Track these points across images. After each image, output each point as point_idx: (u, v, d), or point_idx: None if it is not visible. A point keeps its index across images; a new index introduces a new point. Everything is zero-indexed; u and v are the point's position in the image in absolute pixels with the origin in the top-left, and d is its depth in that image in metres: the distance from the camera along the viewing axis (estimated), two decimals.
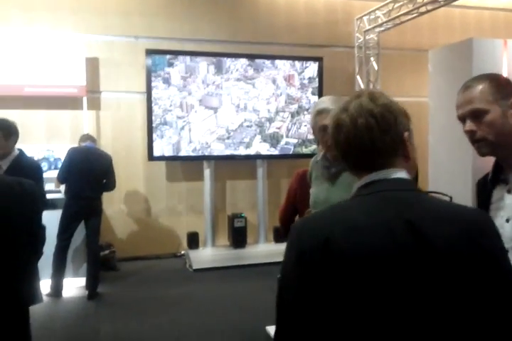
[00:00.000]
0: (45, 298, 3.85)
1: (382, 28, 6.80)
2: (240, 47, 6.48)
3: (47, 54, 5.69)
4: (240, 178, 6.56)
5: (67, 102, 5.85)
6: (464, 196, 5.67)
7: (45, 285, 4.30)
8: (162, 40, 6.23)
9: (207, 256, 5.95)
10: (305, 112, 6.49)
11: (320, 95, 6.52)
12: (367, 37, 7.00)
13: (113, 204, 5.95)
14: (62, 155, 5.37)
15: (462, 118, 1.55)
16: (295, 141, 6.50)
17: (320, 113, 2.15)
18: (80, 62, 5.77)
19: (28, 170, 3.22)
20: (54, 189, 5.31)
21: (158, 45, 6.12)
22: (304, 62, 6.55)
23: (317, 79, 6.58)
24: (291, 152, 6.47)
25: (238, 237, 6.15)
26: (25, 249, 2.39)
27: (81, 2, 5.96)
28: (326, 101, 2.17)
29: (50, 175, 5.39)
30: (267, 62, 6.38)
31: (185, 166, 6.35)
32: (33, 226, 2.46)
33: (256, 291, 4.80)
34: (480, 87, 1.51)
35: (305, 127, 6.49)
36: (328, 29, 6.92)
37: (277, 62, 6.42)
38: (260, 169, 6.34)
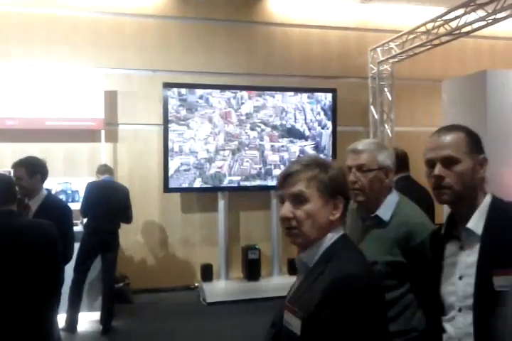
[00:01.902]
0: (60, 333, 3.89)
1: (395, 59, 6.86)
2: (253, 79, 6.58)
3: (67, 87, 5.85)
4: (254, 209, 6.57)
5: (86, 135, 5.96)
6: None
7: (60, 320, 4.32)
8: (178, 73, 6.35)
9: (220, 289, 5.92)
10: (246, 148, 6.30)
11: (334, 126, 6.55)
12: (380, 68, 7.06)
13: (128, 236, 5.98)
14: (79, 187, 5.47)
15: (431, 162, 1.53)
16: (238, 178, 6.28)
17: (348, 152, 2.08)
18: (98, 96, 5.90)
19: (57, 211, 3.23)
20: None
21: (175, 78, 6.24)
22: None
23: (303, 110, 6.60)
24: None
25: (252, 269, 6.12)
26: (46, 291, 2.43)
27: (100, 37, 6.13)
28: (361, 142, 2.09)
29: None
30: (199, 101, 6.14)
31: (199, 197, 6.39)
32: (53, 267, 2.50)
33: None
34: (457, 135, 1.52)
35: (247, 163, 6.31)
36: (341, 60, 7.00)
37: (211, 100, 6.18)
38: (274, 200, 6.34)
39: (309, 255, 1.37)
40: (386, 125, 7.15)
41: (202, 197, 6.38)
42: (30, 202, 3.23)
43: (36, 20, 5.93)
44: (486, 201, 1.53)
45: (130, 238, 6.06)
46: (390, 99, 7.10)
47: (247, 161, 6.31)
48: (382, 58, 6.94)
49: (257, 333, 4.81)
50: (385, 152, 2.01)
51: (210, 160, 6.18)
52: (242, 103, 6.30)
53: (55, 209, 3.24)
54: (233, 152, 6.26)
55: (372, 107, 7.12)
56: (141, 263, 6.22)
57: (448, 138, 1.52)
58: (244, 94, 6.29)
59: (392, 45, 6.77)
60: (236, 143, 6.27)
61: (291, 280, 5.61)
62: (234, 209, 6.47)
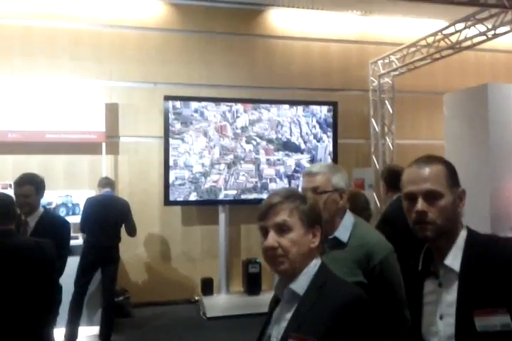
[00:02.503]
0: None
1: (396, 72, 6.88)
2: (255, 92, 6.59)
3: (68, 100, 5.86)
4: (254, 222, 6.48)
5: (87, 147, 5.97)
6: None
7: (59, 334, 4.30)
8: (179, 86, 6.37)
9: (221, 303, 5.88)
10: (241, 162, 6.28)
11: (335, 139, 6.55)
12: (381, 81, 7.08)
13: (129, 249, 5.96)
14: (80, 200, 5.46)
15: (411, 196, 1.47)
16: (234, 192, 6.23)
17: (303, 175, 2.14)
18: (99, 108, 5.91)
19: (56, 227, 3.24)
20: (72, 234, 5.33)
21: (176, 91, 6.26)
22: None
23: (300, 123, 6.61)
24: None
25: (253, 283, 6.08)
26: (42, 310, 2.41)
27: (101, 49, 6.16)
28: (315, 165, 2.20)
29: (68, 220, 5.44)
30: (196, 114, 6.11)
31: (200, 210, 6.38)
32: (50, 286, 2.49)
33: None
34: (437, 168, 1.47)
35: (243, 176, 6.29)
36: (342, 73, 7.02)
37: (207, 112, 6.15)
38: None
39: (299, 284, 1.40)
40: (387, 138, 7.15)
41: (202, 210, 6.37)
42: (28, 218, 3.23)
43: (38, 33, 5.96)
44: (462, 235, 1.48)
45: (130, 251, 6.03)
46: (391, 111, 7.11)
47: (243, 175, 6.29)
48: (383, 71, 6.96)
49: None
50: (339, 174, 2.04)
51: (205, 174, 6.14)
52: (238, 116, 6.29)
53: (54, 225, 3.26)
54: (229, 166, 6.23)
55: (373, 120, 7.13)
56: (142, 277, 6.19)
57: (428, 170, 1.47)
58: (240, 107, 6.28)
59: (392, 58, 6.79)
60: (231, 156, 6.24)
61: None
62: (234, 223, 6.45)
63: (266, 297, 6.01)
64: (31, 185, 3.22)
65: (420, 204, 1.43)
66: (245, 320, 5.42)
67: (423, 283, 1.53)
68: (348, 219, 2.05)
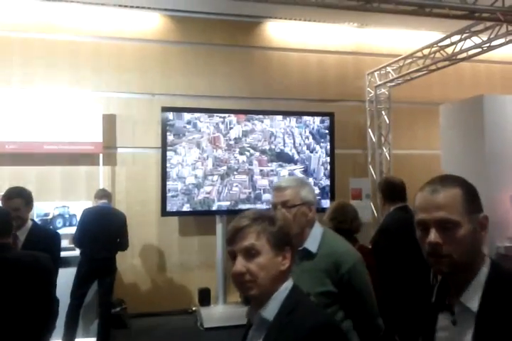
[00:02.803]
0: None
1: (393, 83, 6.93)
2: (253, 103, 6.63)
3: (66, 111, 5.87)
4: None
5: (84, 158, 5.98)
6: None
7: None
8: (177, 97, 6.41)
9: (218, 313, 5.86)
10: (234, 173, 6.27)
11: (332, 149, 6.57)
12: (378, 91, 7.14)
13: (125, 260, 5.95)
14: (77, 211, 5.46)
15: (424, 224, 1.29)
16: (228, 203, 6.22)
17: (272, 190, 2.22)
18: (97, 119, 5.93)
19: (46, 240, 3.23)
20: (68, 246, 5.34)
21: (174, 102, 6.29)
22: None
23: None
24: None
25: None
26: (39, 323, 2.41)
27: (99, 60, 6.20)
28: (284, 179, 2.25)
29: (65, 231, 5.46)
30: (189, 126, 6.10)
31: (197, 221, 6.38)
32: (47, 301, 2.48)
33: None
34: (453, 192, 1.29)
35: (236, 187, 6.27)
36: (339, 84, 7.07)
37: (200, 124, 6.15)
38: None
39: (268, 309, 1.38)
40: (384, 148, 7.19)
41: (199, 220, 6.37)
42: (18, 232, 3.22)
43: (36, 45, 6.00)
44: (484, 270, 1.29)
45: (127, 262, 6.02)
46: (388, 122, 7.15)
47: (236, 186, 6.27)
48: (379, 82, 7.02)
49: None
50: (307, 187, 2.10)
51: (198, 186, 6.11)
52: (231, 128, 6.29)
53: (44, 238, 3.24)
54: (222, 177, 6.22)
55: (369, 130, 7.17)
56: (138, 288, 6.17)
57: (442, 195, 1.28)
58: (233, 118, 6.29)
59: (389, 69, 6.85)
60: (225, 167, 6.24)
61: None
62: None
63: None
64: (20, 198, 3.22)
65: (433, 236, 1.26)
66: (242, 331, 5.37)
67: (437, 316, 1.36)
68: (317, 230, 2.09)
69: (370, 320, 2.08)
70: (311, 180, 6.55)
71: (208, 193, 6.16)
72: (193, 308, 6.15)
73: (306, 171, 6.57)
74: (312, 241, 2.05)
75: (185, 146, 6.11)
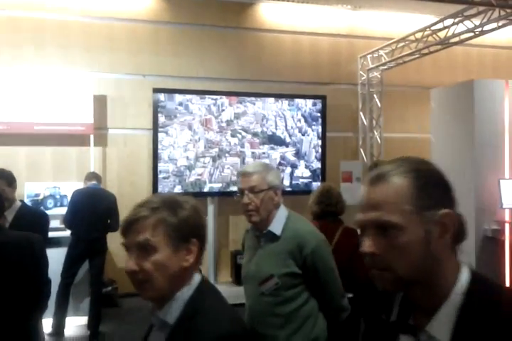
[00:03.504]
0: (46, 338, 3.90)
1: (385, 67, 6.93)
2: (245, 85, 6.61)
3: (56, 92, 5.82)
4: (243, 214, 6.58)
5: (75, 139, 5.97)
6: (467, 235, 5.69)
7: (46, 324, 4.33)
8: (169, 78, 6.37)
9: None
10: (226, 155, 6.28)
11: (324, 133, 6.60)
12: (370, 75, 7.13)
13: (116, 240, 5.94)
14: (68, 192, 5.47)
15: (362, 227, 1.00)
16: (219, 185, 6.26)
17: (238, 176, 2.22)
18: (88, 100, 5.89)
19: (34, 220, 3.26)
20: (59, 226, 5.36)
21: (165, 83, 6.26)
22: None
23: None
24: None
25: (241, 274, 6.13)
26: (30, 304, 2.44)
27: (90, 41, 6.13)
28: (250, 165, 2.23)
29: (56, 212, 5.47)
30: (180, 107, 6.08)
31: None
32: (39, 281, 2.50)
33: None
34: (396, 184, 0.96)
35: (228, 170, 6.29)
36: (331, 67, 7.06)
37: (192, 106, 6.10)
38: None
39: (168, 312, 1.23)
40: (375, 131, 7.22)
41: None
42: (6, 212, 3.24)
43: (26, 24, 5.92)
44: (458, 289, 0.95)
45: (118, 242, 6.01)
46: (380, 105, 7.16)
47: (228, 168, 6.29)
48: (371, 65, 7.01)
49: None
50: (273, 172, 2.13)
51: (189, 168, 6.13)
52: (223, 110, 6.28)
53: (32, 218, 3.27)
54: (213, 159, 6.23)
55: (361, 113, 7.19)
56: None
57: (380, 189, 0.97)
58: (225, 100, 6.28)
59: (381, 52, 6.84)
60: (216, 150, 6.25)
61: None
62: (223, 214, 6.50)
63: None
64: (1, 178, 3.24)
65: (367, 243, 0.96)
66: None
67: (397, 338, 1.02)
68: (282, 213, 2.12)
69: (335, 301, 2.12)
70: (302, 163, 6.60)
71: (200, 175, 6.17)
72: None
73: (298, 154, 6.60)
74: (277, 224, 2.08)
75: (176, 128, 6.09)
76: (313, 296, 2.07)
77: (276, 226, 2.08)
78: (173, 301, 1.23)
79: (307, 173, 6.63)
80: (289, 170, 6.58)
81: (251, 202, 2.04)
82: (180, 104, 6.13)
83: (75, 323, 5.02)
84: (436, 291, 0.97)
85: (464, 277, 0.98)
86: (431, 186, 0.97)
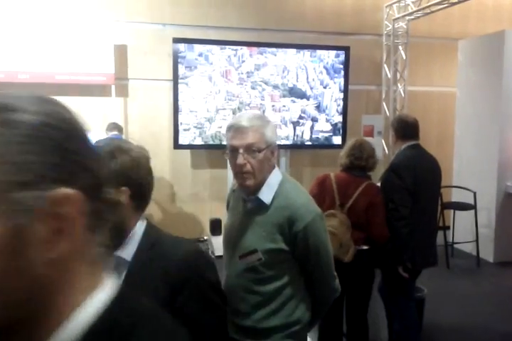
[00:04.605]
0: None
1: (411, 17, 6.67)
2: (266, 35, 6.45)
3: (77, 41, 5.76)
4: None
5: (96, 89, 5.96)
6: (489, 191, 5.68)
7: None
8: (188, 28, 6.24)
9: None
10: (246, 108, 6.17)
11: (346, 85, 6.47)
12: (396, 25, 6.89)
13: None
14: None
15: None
16: None
17: (229, 130, 1.79)
18: (108, 50, 5.84)
19: None
20: None
21: (184, 33, 6.14)
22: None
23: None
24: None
25: None
26: None
27: None
28: (245, 117, 1.76)
29: None
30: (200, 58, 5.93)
31: (209, 154, 6.46)
32: None
33: None
34: None
35: None
36: (356, 17, 6.82)
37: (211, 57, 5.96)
38: (283, 158, 6.39)
39: (126, 250, 1.29)
40: (399, 84, 7.06)
41: (211, 154, 6.44)
42: None
43: None
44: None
45: None
46: (404, 57, 6.97)
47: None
48: (398, 15, 6.76)
49: None
50: (272, 127, 1.78)
51: (210, 120, 6.08)
52: (243, 61, 6.11)
53: None
54: (234, 111, 6.14)
55: (385, 66, 7.01)
56: (152, 218, 6.38)
57: None
58: (246, 51, 6.11)
59: (408, 1, 6.57)
60: (237, 102, 6.14)
61: None
62: None
63: None
64: None
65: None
66: None
67: None
68: (275, 178, 1.79)
69: (325, 283, 1.86)
70: (323, 116, 6.51)
71: (220, 127, 6.13)
72: (205, 237, 6.40)
73: (319, 107, 6.48)
74: (267, 191, 1.76)
75: (196, 79, 5.99)
76: (301, 275, 1.83)
77: (266, 193, 1.75)
78: (128, 241, 1.29)
79: (328, 127, 6.55)
80: (309, 123, 6.49)
81: (246, 164, 1.71)
82: (201, 54, 6.01)
83: None
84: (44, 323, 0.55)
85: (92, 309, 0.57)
86: (26, 146, 0.52)
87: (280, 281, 1.77)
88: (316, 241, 1.75)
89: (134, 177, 1.29)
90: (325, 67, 6.44)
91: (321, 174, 3.12)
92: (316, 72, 6.40)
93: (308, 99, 6.43)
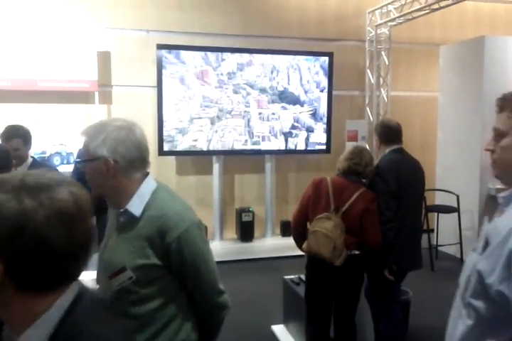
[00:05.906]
0: None
1: (394, 23, 6.75)
2: (249, 42, 6.47)
3: (59, 47, 5.72)
4: (248, 172, 6.64)
5: (80, 96, 5.92)
6: (471, 193, 5.74)
7: None
8: (173, 34, 6.24)
9: (215, 249, 5.95)
10: (227, 116, 5.51)
11: (330, 90, 6.50)
12: (378, 31, 6.97)
13: None
14: (74, 149, 5.49)
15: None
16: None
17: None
18: (91, 56, 5.81)
19: None
20: None
21: (168, 39, 6.13)
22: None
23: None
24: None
25: (246, 231, 6.27)
26: None
27: None
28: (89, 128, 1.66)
29: (62, 169, 5.50)
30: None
31: (194, 160, 6.43)
32: None
33: (262, 287, 4.93)
34: None
35: (230, 134, 5.65)
36: (339, 23, 6.88)
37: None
38: (269, 164, 6.40)
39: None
40: (382, 89, 7.13)
41: (197, 160, 6.42)
42: (18, 168, 3.27)
43: None
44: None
45: None
46: (387, 63, 7.04)
47: (230, 132, 5.48)
48: (380, 21, 6.83)
49: (249, 294, 5.02)
50: (102, 138, 1.59)
51: (182, 131, 5.28)
52: (223, 59, 5.24)
53: None
54: (212, 121, 5.38)
55: (368, 71, 7.07)
56: None
57: None
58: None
59: (390, 7, 6.65)
60: (215, 109, 5.36)
61: (283, 241, 5.90)
62: (228, 173, 6.53)
63: (258, 244, 6.26)
64: (19, 137, 3.25)
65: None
66: (239, 265, 5.64)
67: None
68: (146, 187, 1.64)
69: (209, 299, 1.69)
70: (320, 126, 6.04)
71: (195, 141, 5.38)
72: None
73: (315, 115, 5.96)
74: (137, 202, 1.60)
75: (166, 82, 5.24)
76: (183, 292, 1.66)
77: (137, 205, 1.59)
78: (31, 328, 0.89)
79: (325, 139, 5.93)
80: (304, 134, 5.86)
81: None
82: (170, 51, 5.41)
83: (86, 277, 5.14)
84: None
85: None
86: None
87: (158, 301, 1.59)
88: (193, 253, 1.58)
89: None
90: (322, 67, 5.84)
91: (318, 177, 3.14)
92: (311, 72, 5.70)
93: (302, 105, 5.79)
